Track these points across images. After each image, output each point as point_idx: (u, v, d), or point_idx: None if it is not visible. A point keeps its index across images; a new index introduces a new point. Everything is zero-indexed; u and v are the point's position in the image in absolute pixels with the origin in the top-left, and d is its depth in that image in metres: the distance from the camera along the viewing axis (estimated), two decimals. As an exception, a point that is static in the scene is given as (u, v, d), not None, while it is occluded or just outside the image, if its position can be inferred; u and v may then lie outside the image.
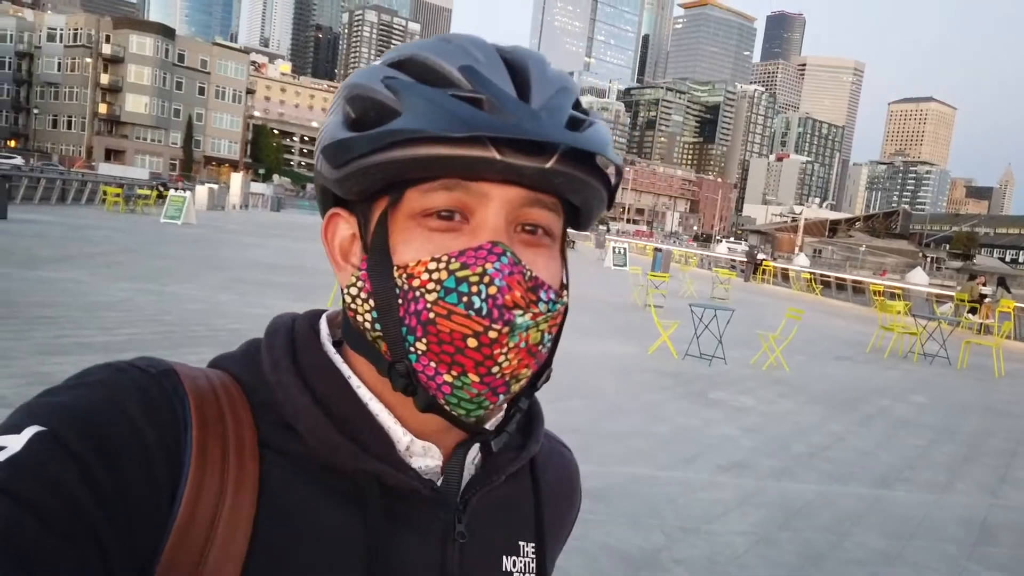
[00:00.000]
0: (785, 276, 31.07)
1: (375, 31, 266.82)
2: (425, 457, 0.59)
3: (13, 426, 0.46)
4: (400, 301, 0.54)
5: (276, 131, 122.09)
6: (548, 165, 0.52)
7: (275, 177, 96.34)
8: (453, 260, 0.52)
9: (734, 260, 36.64)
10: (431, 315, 0.52)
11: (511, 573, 0.65)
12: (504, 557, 0.65)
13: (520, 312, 0.52)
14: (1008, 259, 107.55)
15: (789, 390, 8.32)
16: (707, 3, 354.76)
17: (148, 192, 30.10)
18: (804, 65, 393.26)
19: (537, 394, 0.65)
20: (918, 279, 31.30)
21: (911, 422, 7.51)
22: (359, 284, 0.57)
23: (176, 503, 0.49)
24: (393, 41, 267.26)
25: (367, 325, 0.56)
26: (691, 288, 19.43)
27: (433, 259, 0.53)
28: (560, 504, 0.74)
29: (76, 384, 0.51)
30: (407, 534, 0.58)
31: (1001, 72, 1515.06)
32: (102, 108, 78.14)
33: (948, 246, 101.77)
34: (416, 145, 0.51)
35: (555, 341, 0.59)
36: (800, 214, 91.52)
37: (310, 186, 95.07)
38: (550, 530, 0.69)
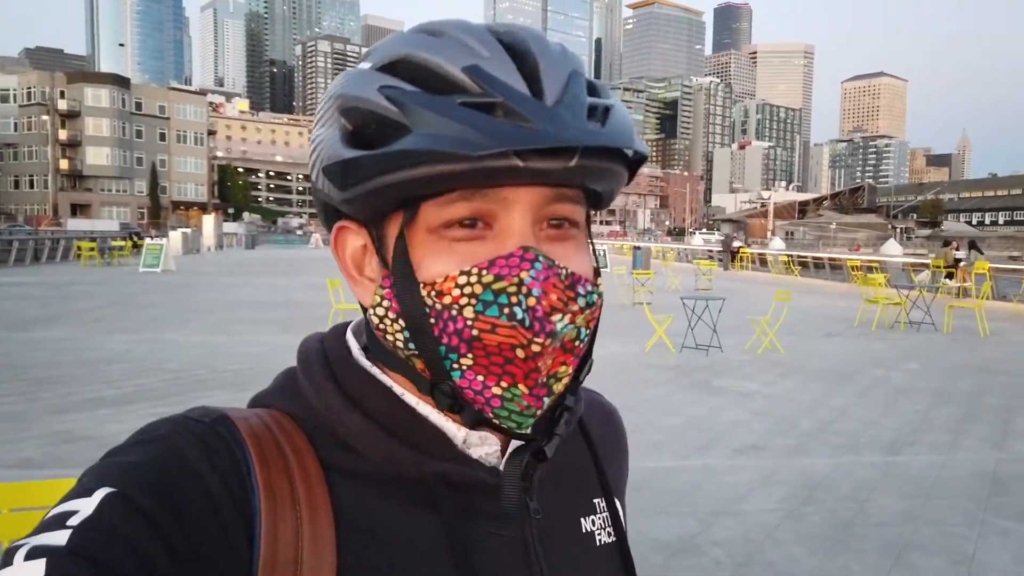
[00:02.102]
0: (763, 261, 31.48)
1: (329, 60, 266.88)
2: (483, 446, 0.60)
3: (85, 489, 0.47)
4: (433, 320, 0.53)
5: (241, 169, 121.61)
6: (572, 163, 0.50)
7: (245, 215, 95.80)
8: (485, 272, 0.51)
9: (711, 251, 37.03)
10: (474, 332, 0.51)
11: (592, 532, 0.66)
12: (582, 520, 0.67)
13: (560, 317, 0.51)
14: (975, 222, 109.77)
15: (788, 370, 8.52)
16: (655, 2, 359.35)
17: (123, 243, 29.85)
18: (755, 53, 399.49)
19: None
20: (892, 250, 31.89)
21: (908, 389, 7.73)
22: (385, 304, 0.55)
23: (255, 543, 0.50)
24: (348, 68, 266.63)
25: (399, 344, 0.56)
26: (676, 282, 19.66)
27: (462, 272, 0.51)
28: (613, 451, 0.76)
29: (137, 442, 0.52)
30: (484, 524, 0.58)
31: (947, 41, 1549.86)
32: (63, 164, 77.53)
33: (915, 215, 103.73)
34: (431, 163, 0.49)
35: (593, 331, 0.58)
36: (768, 199, 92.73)
37: (281, 221, 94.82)
38: (613, 481, 0.71)
